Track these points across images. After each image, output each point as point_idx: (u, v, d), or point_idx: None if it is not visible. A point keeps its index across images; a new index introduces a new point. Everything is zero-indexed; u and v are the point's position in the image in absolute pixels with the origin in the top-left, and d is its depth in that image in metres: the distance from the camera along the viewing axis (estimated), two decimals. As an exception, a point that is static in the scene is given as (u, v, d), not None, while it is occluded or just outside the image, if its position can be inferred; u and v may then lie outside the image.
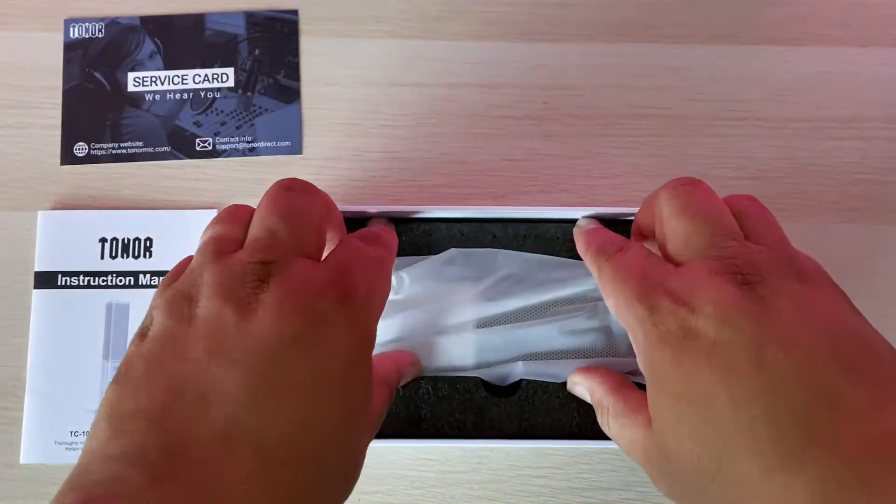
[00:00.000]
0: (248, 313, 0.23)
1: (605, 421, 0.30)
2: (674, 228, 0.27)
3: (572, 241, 0.35)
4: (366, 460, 0.38)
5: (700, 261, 0.25)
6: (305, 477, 0.22)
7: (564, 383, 0.34)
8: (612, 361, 0.33)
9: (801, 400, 0.21)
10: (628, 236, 0.35)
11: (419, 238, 0.35)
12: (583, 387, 0.32)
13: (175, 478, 0.20)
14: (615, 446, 0.35)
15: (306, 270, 0.24)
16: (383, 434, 0.34)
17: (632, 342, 0.26)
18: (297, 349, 0.23)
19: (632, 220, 0.35)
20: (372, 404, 0.27)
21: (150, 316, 0.25)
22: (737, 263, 0.24)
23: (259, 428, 0.21)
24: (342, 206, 0.35)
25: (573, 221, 0.35)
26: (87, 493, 0.19)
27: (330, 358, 0.23)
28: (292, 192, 0.27)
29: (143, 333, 0.24)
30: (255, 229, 0.26)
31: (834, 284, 0.26)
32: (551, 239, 0.35)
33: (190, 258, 0.27)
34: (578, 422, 0.33)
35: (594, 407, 0.31)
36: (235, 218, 0.27)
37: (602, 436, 0.33)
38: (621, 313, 0.26)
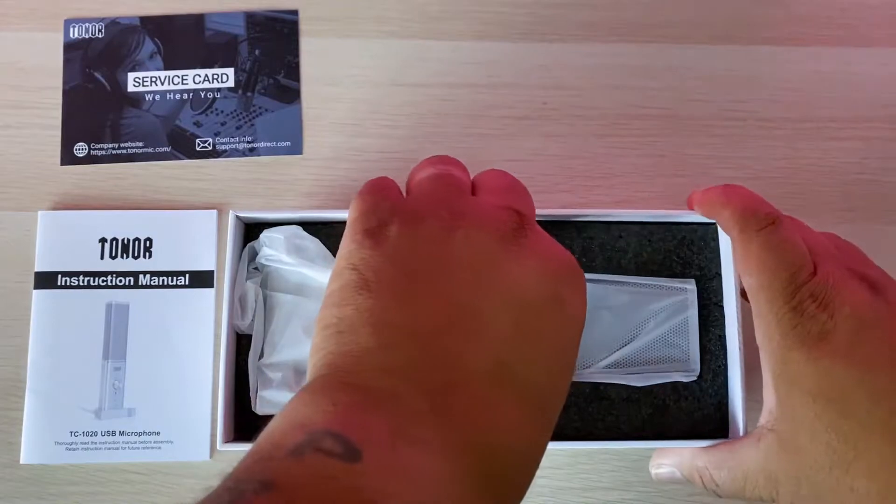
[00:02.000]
0: (524, 258, 0.23)
1: (709, 480, 0.30)
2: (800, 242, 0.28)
3: (571, 245, 0.35)
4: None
5: (835, 266, 0.27)
6: (547, 433, 0.22)
7: None
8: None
9: None
10: (630, 237, 0.35)
11: None
12: (667, 468, 0.33)
13: (452, 411, 0.19)
14: (615, 447, 0.35)
15: (545, 236, 0.25)
16: None
17: (756, 329, 0.27)
18: (554, 309, 0.23)
19: (632, 222, 0.35)
20: None
21: (374, 217, 0.24)
22: (865, 272, 0.27)
23: (523, 375, 0.21)
24: (336, 212, 0.35)
25: (573, 223, 0.35)
26: (367, 395, 0.19)
27: (571, 324, 0.24)
28: (510, 175, 0.28)
29: (373, 235, 0.23)
30: (491, 181, 0.27)
31: None
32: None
33: (387, 179, 0.27)
34: (579, 425, 0.33)
35: (690, 480, 0.31)
36: (454, 163, 0.28)
37: (602, 437, 0.33)
38: (759, 299, 0.27)
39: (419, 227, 0.24)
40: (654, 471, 0.34)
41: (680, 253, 0.35)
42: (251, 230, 0.36)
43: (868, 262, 0.30)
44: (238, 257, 0.35)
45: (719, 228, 0.35)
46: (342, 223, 0.35)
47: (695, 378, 0.33)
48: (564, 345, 0.23)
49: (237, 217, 0.35)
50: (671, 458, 0.33)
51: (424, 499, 0.17)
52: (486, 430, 0.20)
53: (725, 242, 0.34)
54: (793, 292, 0.26)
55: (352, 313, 0.21)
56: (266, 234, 0.35)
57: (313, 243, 0.35)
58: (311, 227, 0.35)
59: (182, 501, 0.38)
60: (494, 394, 0.20)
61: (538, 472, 0.38)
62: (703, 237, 0.35)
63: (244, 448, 0.33)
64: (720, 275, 0.34)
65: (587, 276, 0.34)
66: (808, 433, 0.25)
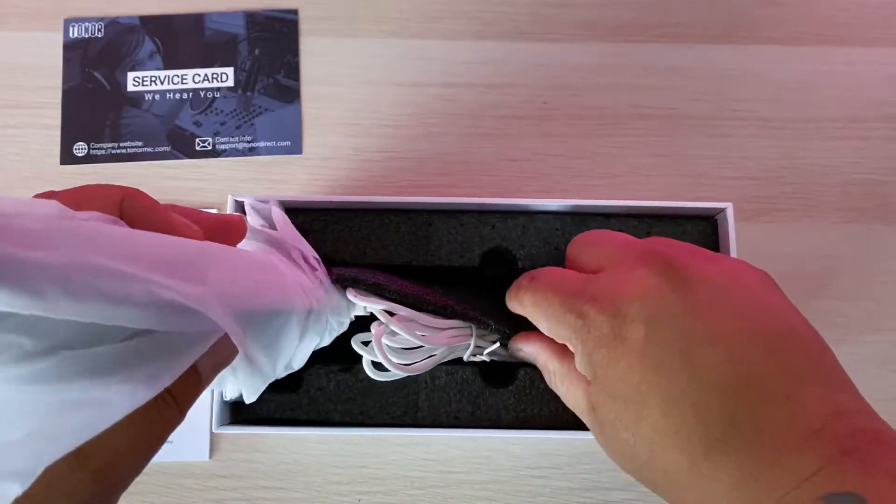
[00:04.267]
0: None
1: (553, 382, 0.30)
2: (588, 254, 0.29)
3: (570, 235, 0.35)
4: (365, 459, 0.39)
5: (618, 264, 0.27)
6: None
7: None
8: None
9: (727, 392, 0.23)
10: (629, 230, 0.34)
11: (419, 228, 0.35)
12: (525, 352, 0.32)
13: None
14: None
15: None
16: (378, 423, 0.33)
17: (573, 351, 0.27)
18: None
19: (631, 216, 0.35)
20: None
21: None
22: (654, 251, 0.26)
23: None
24: (343, 197, 0.35)
25: (571, 216, 0.35)
26: None
27: None
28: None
29: None
30: None
31: (739, 260, 0.28)
32: (550, 231, 0.35)
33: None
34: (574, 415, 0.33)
35: (540, 368, 0.31)
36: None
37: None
38: (556, 331, 0.27)
39: None
40: (512, 350, 0.34)
41: None
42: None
43: (671, 242, 0.28)
44: None
45: (718, 221, 0.35)
46: (341, 210, 0.35)
47: None
48: None
49: (236, 201, 0.34)
50: (530, 347, 0.32)
51: None
52: None
53: (725, 235, 0.34)
54: (571, 302, 0.26)
55: None
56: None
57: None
58: (310, 213, 0.35)
59: (180, 502, 0.38)
60: None
61: (537, 472, 0.38)
62: (703, 230, 0.35)
63: (238, 431, 0.33)
64: None
65: None
66: (610, 430, 0.25)
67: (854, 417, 0.22)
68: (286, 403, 0.34)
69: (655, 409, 0.24)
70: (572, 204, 0.34)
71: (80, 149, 0.41)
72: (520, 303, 0.30)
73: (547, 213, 0.35)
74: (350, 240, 0.34)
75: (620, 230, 0.35)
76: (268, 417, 0.34)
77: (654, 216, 0.35)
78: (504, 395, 0.34)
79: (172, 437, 0.39)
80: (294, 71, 0.42)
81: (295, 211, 0.35)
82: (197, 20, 0.43)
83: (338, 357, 0.33)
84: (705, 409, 0.23)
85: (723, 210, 0.34)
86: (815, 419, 0.22)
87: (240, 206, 0.35)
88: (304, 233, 0.34)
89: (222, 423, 0.32)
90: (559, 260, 0.34)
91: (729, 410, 0.22)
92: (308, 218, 0.35)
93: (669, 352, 0.24)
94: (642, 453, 0.24)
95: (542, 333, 0.31)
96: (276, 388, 0.34)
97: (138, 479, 0.41)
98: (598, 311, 0.25)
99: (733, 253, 0.33)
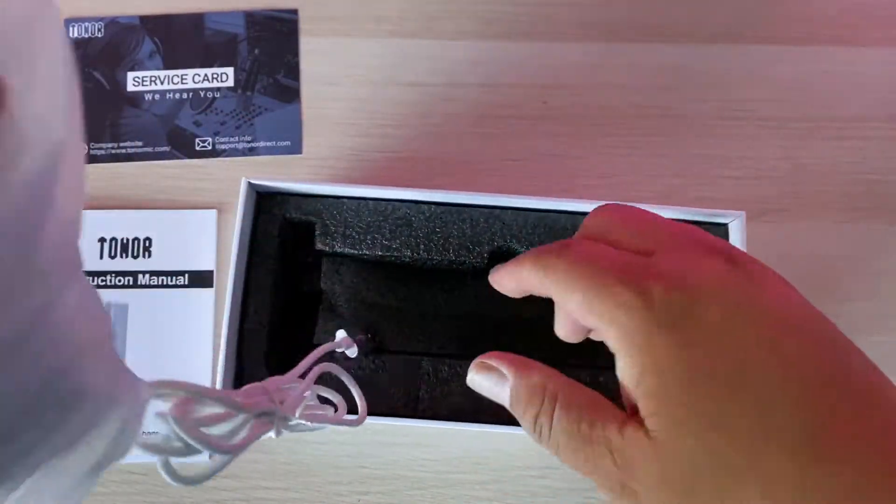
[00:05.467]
0: None
1: (557, 416, 0.23)
2: (627, 233, 0.25)
3: (570, 237, 0.35)
4: (365, 459, 0.38)
5: (673, 249, 0.23)
6: None
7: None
8: None
9: (824, 387, 0.20)
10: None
11: (429, 221, 0.35)
12: (498, 374, 0.26)
13: None
14: None
15: None
16: (377, 412, 0.33)
17: (605, 334, 0.23)
18: None
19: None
20: None
21: None
22: (714, 244, 0.24)
23: None
24: (356, 187, 0.35)
25: (570, 215, 0.35)
26: None
27: None
28: None
29: None
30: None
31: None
32: (561, 229, 0.35)
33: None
34: None
35: (518, 403, 0.25)
36: None
37: None
38: (594, 305, 0.22)
39: None
40: (470, 378, 0.27)
41: None
42: (263, 199, 0.36)
43: (717, 239, 0.25)
44: (249, 227, 0.35)
45: (730, 227, 0.35)
46: (352, 199, 0.35)
47: None
48: None
49: (250, 183, 0.34)
50: (515, 369, 0.25)
51: None
52: None
53: (735, 237, 0.34)
54: (630, 277, 0.22)
55: None
56: None
57: None
58: (320, 199, 0.35)
59: (181, 502, 0.38)
60: None
61: (537, 472, 0.38)
62: (714, 234, 0.35)
63: None
64: None
65: None
66: (691, 432, 0.20)
67: None
68: None
69: (749, 403, 0.20)
70: (583, 206, 0.35)
71: (79, 149, 0.41)
72: (544, 267, 0.25)
73: (556, 211, 0.35)
74: (359, 228, 0.35)
75: None
76: None
77: None
78: None
79: (172, 437, 0.39)
80: (294, 71, 0.42)
81: (306, 196, 0.35)
82: (197, 20, 0.43)
83: None
84: (806, 406, 0.19)
85: (736, 219, 0.34)
86: None
87: (253, 191, 0.35)
88: (315, 216, 0.35)
89: None
90: None
91: (830, 408, 0.19)
92: (318, 205, 0.35)
93: (754, 338, 0.21)
94: (738, 460, 0.19)
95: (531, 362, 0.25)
96: None
97: (138, 479, 0.41)
98: (664, 290, 0.22)
99: None
